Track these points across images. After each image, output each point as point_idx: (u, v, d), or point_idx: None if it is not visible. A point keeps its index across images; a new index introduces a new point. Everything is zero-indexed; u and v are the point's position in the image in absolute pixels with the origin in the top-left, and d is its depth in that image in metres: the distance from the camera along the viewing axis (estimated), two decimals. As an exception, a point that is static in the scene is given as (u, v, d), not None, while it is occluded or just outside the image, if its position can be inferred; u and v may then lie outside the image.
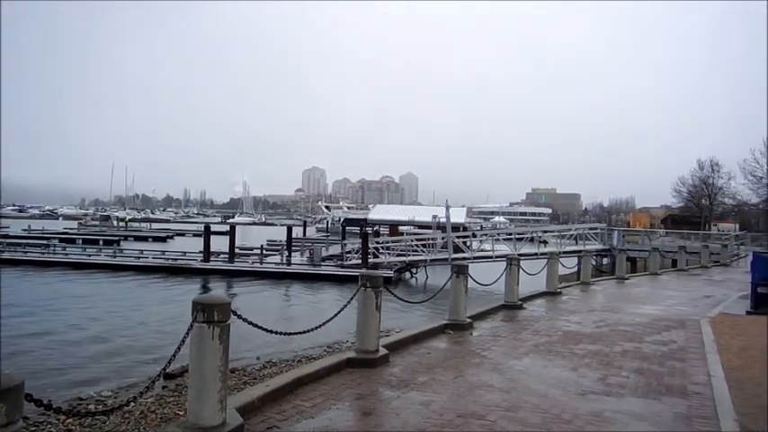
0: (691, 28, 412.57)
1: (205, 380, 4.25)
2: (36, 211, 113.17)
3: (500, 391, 6.05)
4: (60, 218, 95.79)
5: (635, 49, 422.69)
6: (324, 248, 34.75)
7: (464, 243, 31.02)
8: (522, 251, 28.88)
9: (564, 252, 26.55)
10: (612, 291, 16.87)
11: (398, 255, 30.62)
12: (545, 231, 43.28)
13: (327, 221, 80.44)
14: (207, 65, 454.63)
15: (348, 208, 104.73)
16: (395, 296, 9.06)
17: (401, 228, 48.55)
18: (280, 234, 49.55)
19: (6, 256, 29.95)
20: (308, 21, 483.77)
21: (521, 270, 12.78)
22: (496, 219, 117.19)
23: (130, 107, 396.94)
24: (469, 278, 10.14)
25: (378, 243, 31.51)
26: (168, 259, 30.64)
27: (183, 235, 60.96)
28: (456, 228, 37.35)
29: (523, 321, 10.78)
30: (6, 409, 2.67)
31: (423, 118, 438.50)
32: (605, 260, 33.32)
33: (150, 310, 18.40)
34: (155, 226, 74.32)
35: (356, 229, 45.76)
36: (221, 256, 31.61)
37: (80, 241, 44.19)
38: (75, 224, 67.80)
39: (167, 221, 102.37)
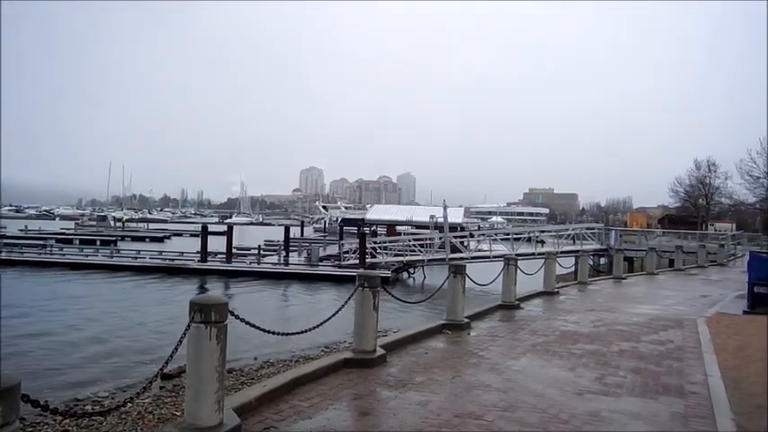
0: (691, 28, 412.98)
1: (202, 380, 4.25)
2: (33, 212, 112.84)
3: (497, 391, 6.06)
4: (57, 218, 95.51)
5: (635, 49, 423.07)
6: (321, 248, 34.72)
7: (461, 243, 31.03)
8: (520, 251, 28.91)
9: (561, 252, 26.64)
10: (610, 290, 16.89)
11: (396, 255, 30.62)
12: (542, 231, 43.32)
13: (325, 221, 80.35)
14: (207, 65, 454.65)
15: (345, 208, 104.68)
16: (392, 296, 9.07)
17: (398, 228, 48.51)
18: (277, 234, 49.53)
19: (3, 256, 29.87)
20: (308, 21, 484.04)
21: (518, 270, 12.78)
22: (494, 219, 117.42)
23: (130, 107, 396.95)
24: (467, 278, 10.14)
25: (375, 243, 31.56)
26: (165, 259, 30.61)
27: (180, 235, 60.91)
28: (453, 228, 37.38)
29: (521, 321, 10.78)
30: (2, 410, 2.66)
31: (423, 118, 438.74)
32: (602, 260, 33.31)
33: (147, 310, 18.39)
34: (152, 226, 74.16)
35: (354, 230, 45.83)
36: (218, 256, 31.60)
37: (77, 241, 44.07)
38: (71, 224, 67.67)
39: (164, 222, 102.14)
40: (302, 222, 65.84)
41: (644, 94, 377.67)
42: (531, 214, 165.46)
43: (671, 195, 65.42)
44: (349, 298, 7.08)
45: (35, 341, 13.69)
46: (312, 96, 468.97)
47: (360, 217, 60.50)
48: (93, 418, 7.60)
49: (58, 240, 41.18)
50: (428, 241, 31.36)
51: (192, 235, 53.06)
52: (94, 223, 69.39)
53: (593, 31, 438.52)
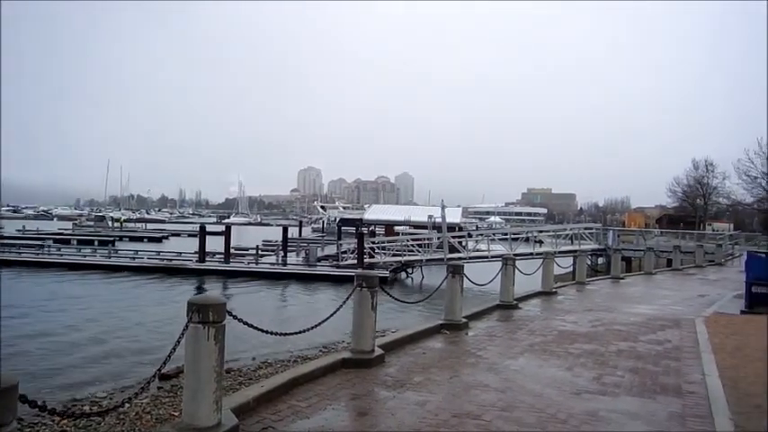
0: (691, 28, 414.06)
1: (200, 381, 4.24)
2: (30, 212, 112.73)
3: (495, 391, 6.06)
4: (55, 218, 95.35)
5: (635, 49, 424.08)
6: (319, 249, 34.74)
7: (460, 243, 31.03)
8: (518, 251, 28.91)
9: (559, 252, 26.66)
10: (608, 290, 16.91)
11: (394, 255, 30.62)
12: (540, 231, 43.38)
13: (323, 221, 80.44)
14: (206, 65, 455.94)
15: (344, 208, 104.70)
16: (390, 296, 9.08)
17: (397, 228, 48.60)
18: (275, 234, 49.50)
19: (1, 256, 29.82)
20: (308, 21, 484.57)
21: (516, 270, 12.79)
22: (492, 219, 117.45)
23: (130, 107, 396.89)
24: (465, 278, 10.15)
25: (373, 243, 31.53)
26: (163, 260, 30.57)
27: (178, 235, 60.78)
28: (452, 228, 37.38)
29: (519, 321, 10.79)
30: (0, 410, 2.66)
31: (422, 118, 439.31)
32: (600, 260, 33.37)
33: (146, 310, 18.36)
34: (150, 226, 74.07)
35: (352, 230, 45.86)
36: (217, 256, 31.57)
37: (75, 242, 43.99)
38: (69, 225, 67.55)
39: (162, 222, 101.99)
40: (300, 222, 65.87)
41: (644, 94, 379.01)
42: (529, 214, 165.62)
43: (669, 195, 65.67)
44: (347, 298, 7.07)
45: (33, 341, 13.66)
46: (311, 96, 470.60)
47: (358, 217, 60.52)
48: (91, 418, 7.59)
49: (55, 241, 41.08)
50: (426, 241, 31.36)
51: (189, 235, 53.01)
52: (92, 223, 69.34)
53: (593, 31, 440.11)
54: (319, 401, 5.50)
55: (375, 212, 59.67)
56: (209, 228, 33.49)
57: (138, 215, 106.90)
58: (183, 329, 4.30)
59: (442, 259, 28.13)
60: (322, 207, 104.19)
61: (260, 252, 32.73)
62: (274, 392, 5.53)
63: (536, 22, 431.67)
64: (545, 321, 10.82)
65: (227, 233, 31.38)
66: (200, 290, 24.00)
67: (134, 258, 31.27)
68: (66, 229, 57.87)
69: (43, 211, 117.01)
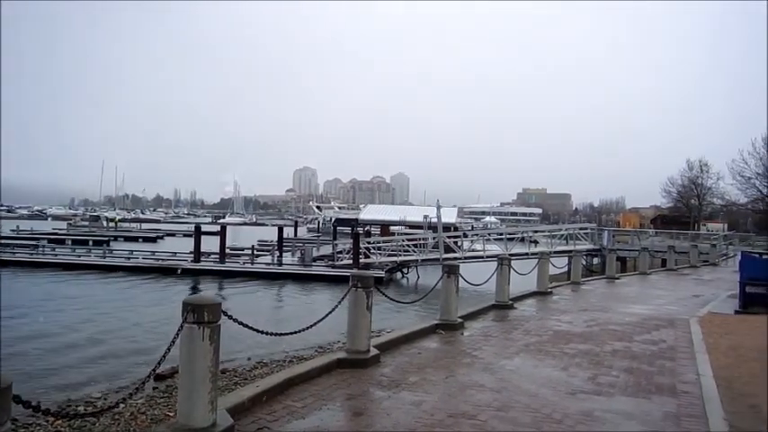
0: (691, 28, 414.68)
1: (195, 381, 4.24)
2: (25, 212, 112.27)
3: (491, 391, 6.07)
4: (49, 218, 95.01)
5: (635, 49, 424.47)
6: (315, 249, 34.71)
7: (455, 243, 31.07)
8: (513, 251, 28.97)
9: (554, 252, 26.65)
10: (603, 290, 16.95)
11: (390, 255, 30.61)
12: (536, 231, 43.47)
13: (318, 221, 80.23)
14: (205, 65, 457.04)
15: (339, 208, 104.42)
16: (386, 296, 9.07)
17: (392, 228, 48.56)
18: (271, 234, 49.49)
19: (-4, 257, 29.69)
20: (307, 20, 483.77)
21: (511, 270, 12.81)
22: (487, 219, 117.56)
23: (126, 107, 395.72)
24: (460, 278, 10.15)
25: (369, 243, 31.51)
26: (158, 260, 30.50)
27: (173, 235, 60.67)
28: (447, 228, 37.40)
29: (514, 321, 10.80)
30: (-6, 411, 2.65)
31: (422, 118, 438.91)
32: (595, 260, 33.47)
33: (141, 310, 18.31)
34: (145, 226, 73.89)
35: (347, 230, 45.70)
36: (212, 256, 31.52)
37: (69, 242, 43.89)
38: (64, 224, 67.32)
39: (157, 222, 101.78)
40: (296, 222, 65.73)
41: (644, 94, 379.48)
42: (524, 214, 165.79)
43: (663, 196, 65.82)
44: (342, 298, 7.07)
45: (29, 342, 13.60)
46: (309, 96, 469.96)
47: (353, 217, 60.35)
48: (86, 419, 7.56)
49: (50, 241, 40.91)
50: (422, 241, 31.39)
51: (185, 235, 52.90)
52: (87, 223, 69.15)
53: (593, 31, 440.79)
54: (315, 401, 5.49)
55: (371, 212, 59.59)
56: (204, 228, 33.43)
57: (133, 215, 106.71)
58: (178, 330, 4.29)
59: (437, 259, 28.14)
60: (317, 207, 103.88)
61: (255, 252, 32.68)
62: (270, 392, 5.52)
63: (536, 22, 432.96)
64: (540, 321, 10.84)
65: (222, 233, 31.36)
66: (193, 290, 23.95)
67: (129, 258, 31.20)
68: (60, 229, 57.64)
69: (37, 210, 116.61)
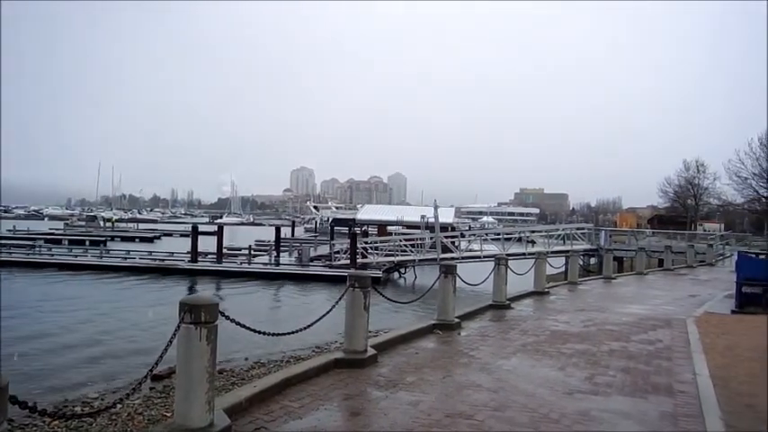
0: (691, 28, 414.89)
1: (192, 381, 4.23)
2: (21, 212, 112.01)
3: (488, 391, 6.07)
4: (46, 218, 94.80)
5: (635, 49, 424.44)
6: (312, 249, 34.68)
7: (452, 243, 31.08)
8: (510, 251, 28.98)
9: (551, 252, 26.74)
10: (599, 290, 16.97)
11: (387, 255, 30.62)
12: (533, 231, 43.50)
13: (316, 221, 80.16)
14: (204, 65, 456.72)
15: (336, 208, 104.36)
16: (383, 296, 9.07)
17: (389, 228, 48.53)
18: (268, 234, 49.39)
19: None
20: (307, 20, 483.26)
21: (509, 270, 12.82)
22: (485, 219, 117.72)
23: (122, 107, 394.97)
24: (458, 278, 10.15)
25: (366, 243, 31.54)
26: (155, 260, 30.47)
27: (170, 235, 60.64)
28: (444, 228, 37.42)
29: (511, 321, 10.81)
30: (-10, 411, 2.64)
31: (422, 118, 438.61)
32: (592, 260, 33.49)
33: (137, 311, 18.30)
34: (142, 226, 73.69)
35: (345, 230, 45.77)
36: (209, 256, 31.49)
37: (66, 242, 43.80)
38: (61, 225, 67.20)
39: (154, 222, 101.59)
40: (293, 222, 65.70)
41: (644, 94, 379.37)
42: (521, 214, 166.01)
43: (660, 196, 65.97)
44: (340, 298, 7.07)
45: (26, 343, 13.58)
46: (307, 97, 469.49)
47: (351, 217, 60.35)
48: (83, 419, 7.55)
49: (46, 241, 40.90)
50: (419, 241, 31.40)
51: (182, 235, 52.82)
52: (84, 223, 69.03)
53: (593, 31, 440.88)
54: (312, 402, 5.49)
55: (368, 212, 59.54)
56: (201, 228, 33.44)
57: (130, 215, 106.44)
58: (175, 330, 4.28)
59: (434, 259, 28.16)
60: (315, 207, 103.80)
61: (252, 252, 32.68)
62: (267, 393, 5.52)
63: (536, 22, 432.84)
64: (537, 321, 10.85)
65: (219, 233, 31.35)
66: (190, 290, 23.93)
67: (126, 258, 31.17)
68: (57, 229, 57.52)
69: (34, 210, 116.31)
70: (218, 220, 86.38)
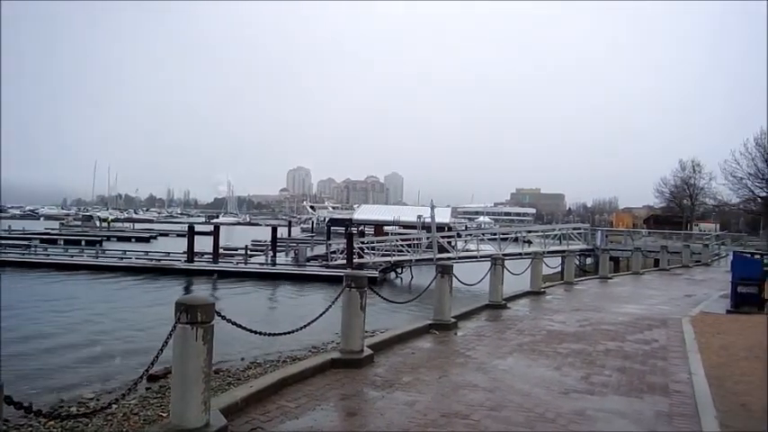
0: (691, 28, 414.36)
1: (188, 381, 4.22)
2: (17, 212, 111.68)
3: (484, 391, 6.08)
4: (41, 218, 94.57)
5: (635, 49, 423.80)
6: (309, 249, 34.70)
7: (449, 243, 31.09)
8: (507, 251, 28.98)
9: (548, 252, 26.76)
10: (596, 290, 17.00)
11: (383, 255, 30.62)
12: (529, 231, 43.60)
13: (312, 221, 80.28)
14: (203, 65, 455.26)
15: (333, 208, 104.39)
16: (380, 296, 9.08)
17: (386, 228, 48.57)
18: (264, 234, 49.36)
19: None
20: (307, 20, 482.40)
21: (505, 270, 12.84)
22: (481, 219, 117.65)
23: (119, 106, 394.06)
24: (454, 278, 10.17)
25: (363, 243, 31.52)
26: (152, 260, 30.42)
27: (166, 235, 60.63)
28: (441, 228, 37.43)
29: (508, 321, 10.83)
30: (-15, 412, 2.63)
31: (422, 118, 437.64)
32: (589, 260, 33.53)
33: (135, 311, 18.26)
34: (138, 226, 73.72)
35: (341, 230, 45.78)
36: (205, 256, 31.45)
37: (62, 242, 43.69)
38: (56, 224, 67.05)
39: (150, 222, 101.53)
40: (290, 222, 65.76)
41: (644, 94, 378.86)
42: (518, 214, 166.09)
43: (656, 196, 66.17)
44: (336, 298, 7.07)
45: (22, 343, 13.53)
46: (309, 96, 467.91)
47: (347, 217, 60.44)
48: (78, 419, 7.53)
49: (42, 240, 40.71)
50: (415, 241, 31.40)
51: (178, 235, 52.82)
52: (79, 223, 68.88)
53: (593, 31, 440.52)
54: (308, 402, 5.49)
55: (364, 212, 59.64)
56: (197, 228, 33.37)
57: (126, 215, 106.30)
58: (171, 330, 4.28)
59: (431, 259, 28.16)
60: (311, 207, 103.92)
61: (249, 252, 32.65)
62: (263, 393, 5.52)
63: (536, 22, 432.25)
64: (534, 321, 10.87)
65: (215, 233, 31.29)
66: (186, 291, 23.89)
67: (122, 258, 31.10)
68: (53, 229, 57.48)
69: (30, 210, 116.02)
70: (215, 220, 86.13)
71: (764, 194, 42.86)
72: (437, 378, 6.56)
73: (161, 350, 4.37)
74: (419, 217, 44.51)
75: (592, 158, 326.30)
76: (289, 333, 6.34)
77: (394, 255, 30.53)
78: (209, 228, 39.21)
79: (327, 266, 29.12)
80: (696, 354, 8.18)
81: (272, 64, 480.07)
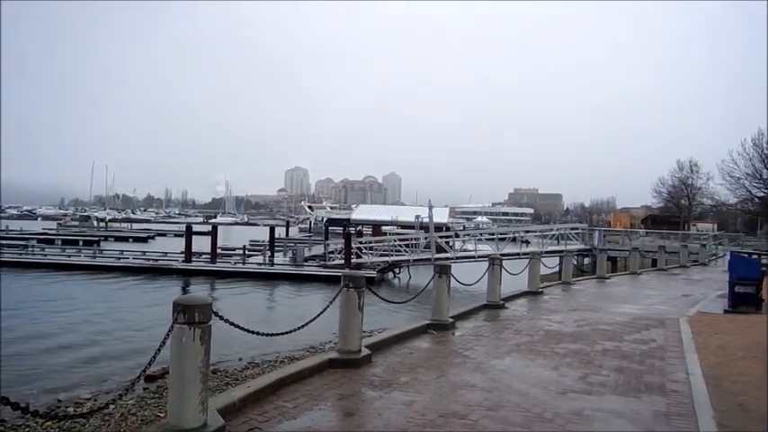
0: (691, 28, 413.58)
1: (186, 381, 4.22)
2: (14, 212, 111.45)
3: (482, 391, 6.08)
4: (39, 218, 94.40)
5: (635, 49, 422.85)
6: (307, 249, 34.68)
7: (447, 243, 31.10)
8: (505, 251, 29.02)
9: (545, 252, 26.77)
10: (593, 290, 17.02)
11: (381, 255, 30.60)
12: (527, 231, 43.63)
13: (310, 221, 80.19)
14: (203, 65, 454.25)
15: (331, 208, 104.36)
16: (378, 296, 9.07)
17: (384, 228, 48.54)
18: (262, 234, 49.36)
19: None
20: (307, 20, 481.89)
21: (503, 270, 12.84)
22: (479, 219, 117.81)
23: (117, 106, 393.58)
24: (452, 278, 10.17)
25: (361, 243, 31.50)
26: (149, 260, 30.37)
27: (164, 235, 60.51)
28: (439, 228, 37.42)
29: (505, 321, 10.83)
30: (-18, 412, 2.63)
31: (422, 118, 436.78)
32: (586, 260, 33.60)
33: (133, 311, 18.23)
34: (135, 226, 73.53)
35: (339, 230, 45.69)
36: (203, 256, 31.42)
37: (59, 242, 43.62)
38: (54, 224, 66.92)
39: (148, 222, 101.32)
40: (287, 222, 65.61)
41: (644, 94, 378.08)
42: (515, 214, 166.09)
43: (654, 196, 66.31)
44: (334, 298, 7.07)
45: (20, 344, 13.48)
46: (309, 96, 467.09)
47: (345, 217, 60.36)
48: (76, 420, 7.51)
49: (39, 241, 40.69)
50: (413, 241, 31.40)
51: (176, 235, 52.72)
52: (77, 223, 68.73)
53: (593, 31, 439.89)
54: (306, 402, 5.49)
55: (362, 212, 59.58)
56: (195, 228, 33.34)
57: (124, 215, 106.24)
58: (169, 330, 4.27)
59: (429, 259, 28.15)
60: (309, 207, 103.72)
61: (247, 252, 32.62)
62: (261, 393, 5.52)
63: (536, 22, 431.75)
64: (531, 321, 10.87)
65: (213, 233, 31.28)
66: (184, 291, 23.86)
67: (119, 258, 31.06)
68: (50, 229, 57.30)
69: (27, 210, 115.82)
70: (213, 220, 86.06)
71: (762, 194, 42.89)
72: (435, 378, 6.56)
73: (158, 350, 4.36)
74: (417, 217, 44.51)
75: (591, 158, 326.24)
76: (286, 333, 6.32)
77: (392, 255, 30.53)
78: (207, 228, 39.18)
79: (325, 266, 29.11)
80: (693, 353, 8.20)
81: (272, 64, 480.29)
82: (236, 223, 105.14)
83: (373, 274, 25.41)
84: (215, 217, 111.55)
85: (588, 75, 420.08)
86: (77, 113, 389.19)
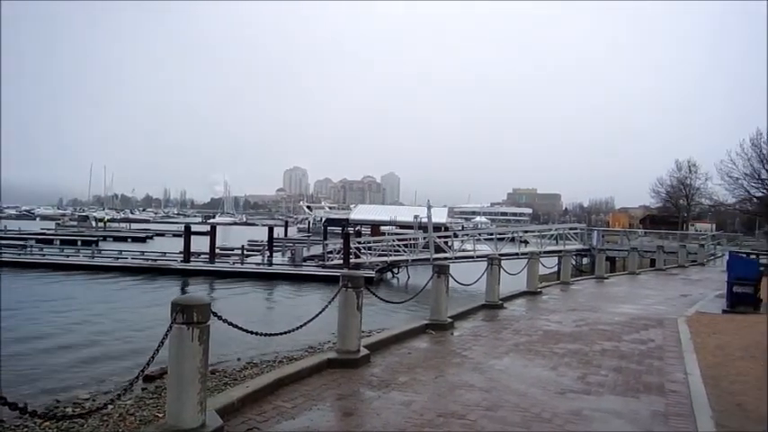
0: (691, 28, 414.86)
1: (184, 381, 4.22)
2: (12, 212, 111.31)
3: (480, 391, 6.08)
4: (37, 218, 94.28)
5: (635, 49, 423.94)
6: (305, 249, 34.66)
7: (445, 243, 31.11)
8: (503, 251, 29.05)
9: (544, 252, 26.78)
10: (592, 290, 17.03)
11: (380, 255, 30.61)
12: (526, 231, 43.63)
13: (309, 221, 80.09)
14: (206, 65, 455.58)
15: (330, 208, 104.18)
16: (376, 296, 9.06)
17: (383, 228, 48.55)
18: (261, 234, 49.35)
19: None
20: (307, 20, 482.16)
21: (501, 270, 12.85)
22: (477, 219, 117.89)
23: (117, 106, 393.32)
24: (451, 278, 10.17)
25: (359, 243, 31.50)
26: (148, 260, 30.35)
27: (162, 235, 60.39)
28: (437, 228, 37.44)
29: (504, 321, 10.84)
30: (-20, 412, 2.63)
31: (422, 118, 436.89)
32: (585, 260, 33.63)
33: (132, 311, 18.21)
34: (134, 226, 73.41)
35: (338, 230, 45.66)
36: (202, 256, 31.40)
37: (58, 242, 43.54)
38: (52, 224, 66.85)
39: (147, 222, 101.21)
40: (286, 222, 65.58)
41: (644, 94, 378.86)
42: (514, 214, 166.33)
43: (652, 196, 66.31)
44: (333, 298, 7.07)
45: (18, 344, 13.46)
46: (309, 96, 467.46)
47: (344, 217, 60.30)
48: (74, 420, 7.51)
49: (38, 241, 40.61)
50: (412, 241, 31.42)
51: (174, 235, 52.63)
52: (76, 223, 68.71)
53: (593, 31, 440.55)
54: (305, 402, 5.48)
55: (361, 212, 59.60)
56: (194, 228, 33.27)
57: (123, 215, 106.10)
58: (167, 330, 4.27)
59: (427, 259, 28.17)
60: (308, 207, 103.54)
61: (245, 252, 32.61)
62: (259, 393, 5.51)
63: (536, 22, 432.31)
64: (530, 321, 10.88)
65: (212, 233, 31.26)
66: (182, 291, 23.84)
67: (118, 258, 31.03)
68: (48, 229, 57.25)
69: (25, 210, 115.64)
70: (211, 220, 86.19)
71: (760, 194, 42.93)
72: (433, 378, 6.56)
73: (157, 350, 4.35)
74: (416, 217, 44.55)
75: (591, 158, 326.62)
76: (285, 333, 6.32)
77: (391, 255, 30.55)
78: (206, 228, 39.15)
79: (324, 266, 29.10)
80: (692, 354, 8.20)
81: (272, 64, 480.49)
82: (235, 223, 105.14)
83: (372, 274, 25.40)
84: (213, 217, 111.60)
85: (588, 75, 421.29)
86: (77, 113, 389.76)
